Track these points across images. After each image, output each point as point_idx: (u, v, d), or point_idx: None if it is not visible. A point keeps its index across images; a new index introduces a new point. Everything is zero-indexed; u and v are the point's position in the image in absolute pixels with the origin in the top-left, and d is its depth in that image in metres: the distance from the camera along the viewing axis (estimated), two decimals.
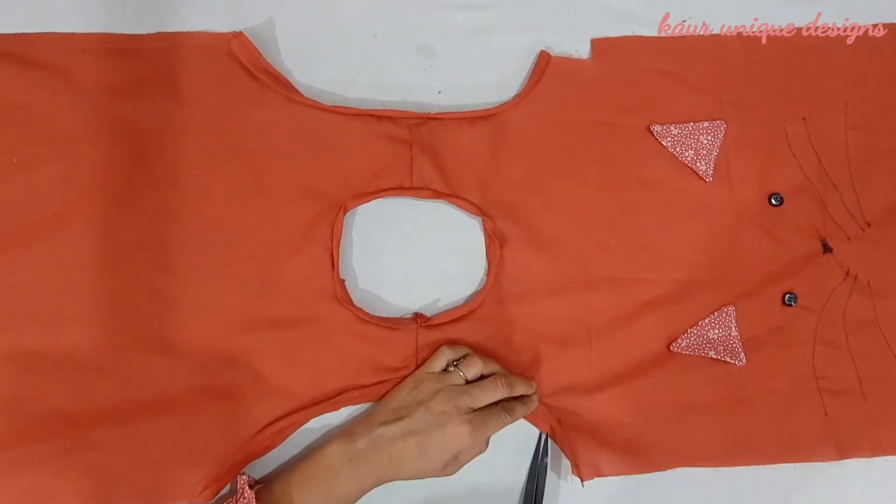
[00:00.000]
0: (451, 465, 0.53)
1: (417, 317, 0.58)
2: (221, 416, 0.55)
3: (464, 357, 0.56)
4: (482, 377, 0.56)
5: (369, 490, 0.52)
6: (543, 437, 0.58)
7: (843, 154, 0.64)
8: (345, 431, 0.54)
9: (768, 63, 0.64)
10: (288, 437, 0.55)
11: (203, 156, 0.58)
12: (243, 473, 0.52)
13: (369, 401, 0.57)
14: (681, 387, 0.59)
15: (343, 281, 0.58)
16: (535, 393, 0.57)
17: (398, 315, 0.59)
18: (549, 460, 0.58)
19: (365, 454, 0.51)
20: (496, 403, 0.54)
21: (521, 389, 0.55)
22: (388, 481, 0.52)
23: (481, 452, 0.54)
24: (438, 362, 0.56)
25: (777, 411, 0.59)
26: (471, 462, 0.54)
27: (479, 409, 0.53)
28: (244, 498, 0.49)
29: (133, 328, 0.55)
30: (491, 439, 0.54)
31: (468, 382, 0.55)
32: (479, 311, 0.58)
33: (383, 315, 0.58)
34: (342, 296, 0.57)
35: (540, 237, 0.60)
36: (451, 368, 0.55)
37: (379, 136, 0.59)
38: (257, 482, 0.53)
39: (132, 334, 0.55)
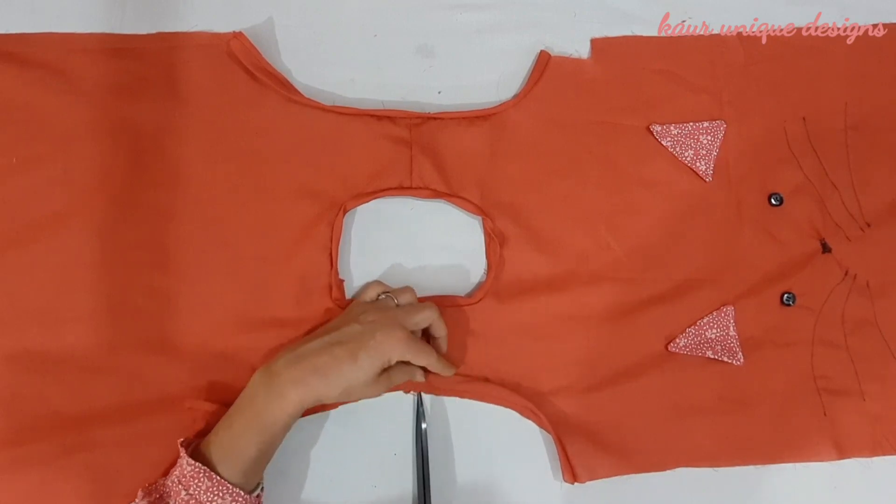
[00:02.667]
0: (381, 383, 0.51)
1: None
2: (220, 415, 0.54)
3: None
4: None
5: (297, 414, 0.48)
6: (416, 400, 0.57)
7: (842, 154, 0.64)
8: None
9: (768, 63, 0.64)
10: None
11: (203, 156, 0.58)
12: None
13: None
14: (679, 387, 0.59)
15: (342, 281, 0.58)
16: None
17: None
18: (426, 425, 0.57)
19: (284, 372, 0.48)
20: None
21: (442, 330, 0.55)
22: (314, 401, 0.48)
23: (404, 381, 0.53)
24: (369, 294, 0.56)
25: (776, 411, 0.59)
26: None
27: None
28: (181, 457, 0.47)
29: (133, 328, 0.55)
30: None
31: None
32: (477, 308, 0.58)
33: None
34: (340, 296, 0.57)
35: (540, 237, 0.60)
36: (382, 297, 0.55)
37: (379, 136, 0.59)
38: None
39: (132, 334, 0.55)
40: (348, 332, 0.50)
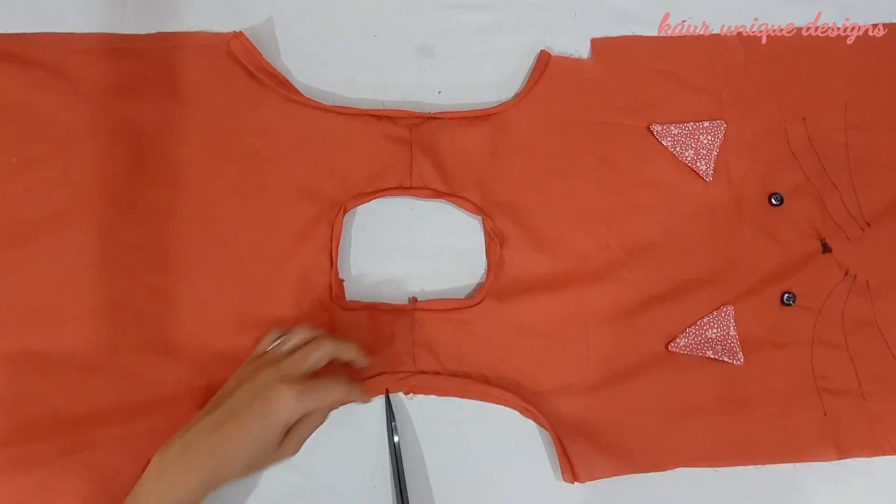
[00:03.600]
0: (289, 442, 0.47)
1: (413, 301, 0.58)
2: None
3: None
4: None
5: (197, 501, 0.45)
6: (385, 398, 0.56)
7: (842, 154, 0.64)
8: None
9: (768, 63, 0.64)
10: None
11: (203, 156, 0.58)
12: None
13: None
14: (679, 387, 0.59)
15: (342, 281, 0.58)
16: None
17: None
18: (395, 422, 0.56)
19: (172, 464, 0.45)
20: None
21: (349, 353, 0.51)
22: (219, 485, 0.46)
23: (319, 424, 0.50)
24: (263, 344, 0.51)
25: (776, 411, 0.59)
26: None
27: (311, 378, 0.48)
28: None
29: (133, 328, 0.55)
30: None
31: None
32: (477, 308, 0.58)
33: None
34: (340, 296, 0.57)
35: (540, 237, 0.60)
36: (275, 343, 0.51)
37: (379, 136, 0.59)
38: None
39: (132, 334, 0.55)
40: (240, 402, 0.47)
